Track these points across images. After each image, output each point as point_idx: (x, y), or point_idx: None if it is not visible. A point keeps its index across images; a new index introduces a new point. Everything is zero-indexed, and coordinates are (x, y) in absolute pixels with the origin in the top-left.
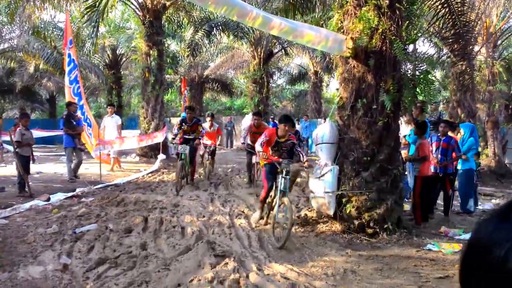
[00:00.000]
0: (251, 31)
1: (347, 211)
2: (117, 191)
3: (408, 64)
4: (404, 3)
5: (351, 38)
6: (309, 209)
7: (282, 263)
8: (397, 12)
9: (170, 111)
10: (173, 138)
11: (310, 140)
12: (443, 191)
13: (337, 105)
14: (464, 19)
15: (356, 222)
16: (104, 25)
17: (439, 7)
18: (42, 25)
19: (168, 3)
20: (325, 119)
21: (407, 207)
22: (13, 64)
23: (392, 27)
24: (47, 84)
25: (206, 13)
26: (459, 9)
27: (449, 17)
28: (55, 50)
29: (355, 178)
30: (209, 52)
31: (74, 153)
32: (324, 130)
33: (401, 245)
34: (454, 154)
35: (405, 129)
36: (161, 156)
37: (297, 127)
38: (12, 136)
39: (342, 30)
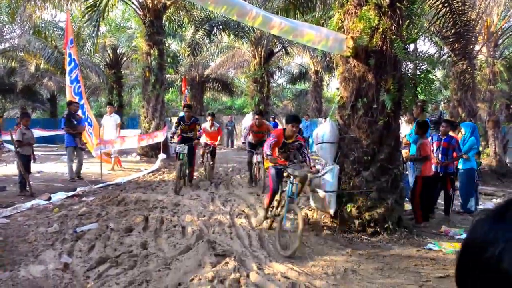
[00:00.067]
0: (251, 30)
1: (348, 211)
2: (118, 190)
3: (409, 63)
4: (404, 2)
5: (352, 37)
6: (310, 209)
7: (282, 263)
8: (398, 12)
9: (170, 111)
10: (171, 137)
11: (310, 140)
12: (444, 190)
13: (337, 104)
14: (465, 18)
15: (357, 222)
16: (105, 25)
17: (440, 6)
18: (43, 25)
19: (168, 3)
20: (325, 118)
21: (407, 206)
22: (14, 63)
23: (393, 27)
24: (48, 84)
25: (207, 12)
26: (460, 8)
27: (450, 16)
28: (56, 50)
29: (355, 178)
30: (210, 51)
31: (75, 153)
32: (324, 129)
33: (402, 244)
34: (455, 154)
35: (406, 129)
36: (162, 156)
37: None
38: (13, 136)
39: (342, 30)
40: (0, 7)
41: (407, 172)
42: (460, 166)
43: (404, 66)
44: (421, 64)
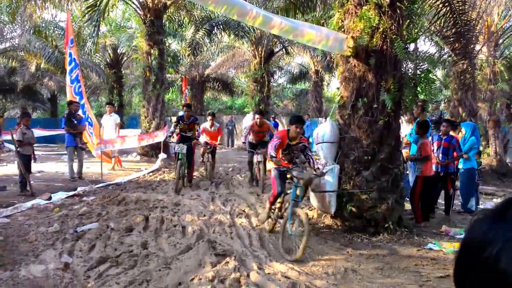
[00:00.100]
0: (252, 30)
1: (348, 210)
2: (118, 190)
3: (409, 63)
4: (405, 2)
5: (352, 37)
6: (310, 208)
7: (282, 262)
8: (398, 11)
9: (171, 110)
10: (169, 136)
11: (311, 139)
12: (444, 190)
13: (337, 104)
14: (465, 18)
15: (357, 221)
16: (105, 24)
17: (440, 6)
18: (43, 25)
19: (169, 2)
20: (326, 118)
21: (408, 206)
22: (14, 63)
23: (393, 26)
24: (49, 83)
25: (207, 12)
26: (460, 8)
27: (450, 16)
28: (56, 49)
29: (356, 177)
30: (210, 51)
31: (75, 152)
32: (324, 129)
33: (402, 244)
34: (455, 153)
35: (406, 128)
36: (162, 155)
37: None
38: (14, 135)
39: (342, 29)
40: (1, 6)
41: (408, 172)
42: (460, 166)
43: (404, 65)
44: (421, 64)
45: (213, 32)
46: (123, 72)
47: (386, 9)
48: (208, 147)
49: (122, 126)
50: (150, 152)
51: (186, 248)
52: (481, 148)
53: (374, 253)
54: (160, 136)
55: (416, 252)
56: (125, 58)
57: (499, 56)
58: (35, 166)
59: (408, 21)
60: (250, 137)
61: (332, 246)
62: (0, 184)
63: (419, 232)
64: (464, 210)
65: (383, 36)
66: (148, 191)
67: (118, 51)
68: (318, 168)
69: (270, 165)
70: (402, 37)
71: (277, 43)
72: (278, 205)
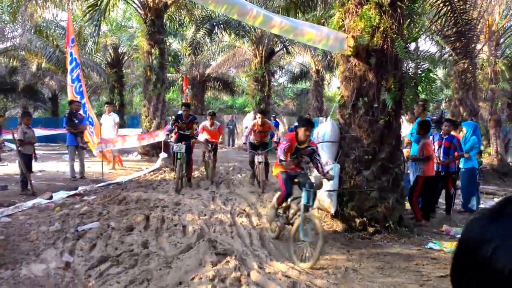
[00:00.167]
0: (252, 29)
1: (349, 210)
2: (119, 189)
3: (410, 62)
4: (405, 1)
5: (352, 36)
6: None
7: (283, 262)
8: (399, 10)
9: (171, 110)
10: (167, 135)
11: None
12: (445, 189)
13: (338, 103)
14: (466, 17)
15: (358, 221)
16: (106, 24)
17: (441, 5)
18: (44, 24)
19: (169, 2)
20: (326, 117)
21: (408, 205)
22: (15, 63)
23: (394, 26)
24: (50, 83)
25: (208, 11)
26: (461, 7)
27: (451, 15)
28: (57, 49)
29: (356, 177)
30: (211, 50)
31: (76, 152)
32: (325, 128)
33: (403, 243)
34: (456, 153)
35: (407, 128)
36: (163, 155)
37: None
38: (15, 135)
39: (343, 29)
40: (2, 6)
41: (408, 171)
42: (461, 165)
43: (405, 65)
44: (422, 63)
45: (214, 31)
46: (124, 71)
47: (387, 8)
48: (209, 145)
49: (123, 125)
50: (151, 151)
51: (187, 248)
52: (482, 148)
53: (374, 252)
54: (160, 136)
55: (417, 252)
56: (126, 58)
57: (500, 55)
58: (36, 166)
59: (408, 20)
60: (251, 138)
61: (333, 245)
62: (1, 183)
63: (420, 232)
64: (465, 210)
65: (384, 35)
66: (148, 190)
67: (119, 50)
68: (328, 172)
69: (277, 171)
70: (402, 36)
71: (277, 42)
72: (284, 204)
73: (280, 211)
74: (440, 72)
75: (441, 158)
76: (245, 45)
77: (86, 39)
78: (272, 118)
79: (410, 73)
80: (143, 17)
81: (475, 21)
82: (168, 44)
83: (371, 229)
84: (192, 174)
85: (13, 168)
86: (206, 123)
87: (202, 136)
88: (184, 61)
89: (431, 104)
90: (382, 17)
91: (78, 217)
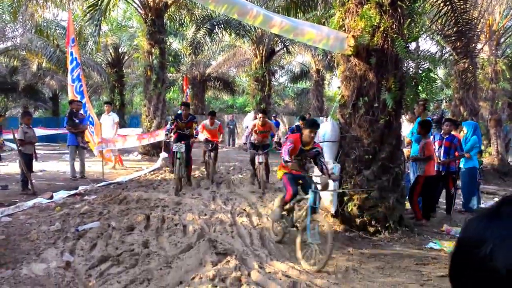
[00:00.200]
0: (253, 29)
1: (349, 210)
2: (120, 189)
3: (410, 62)
4: (406, 0)
5: (353, 36)
6: None
7: (283, 261)
8: (399, 10)
9: (172, 109)
10: (166, 134)
11: None
12: (446, 189)
13: (338, 103)
14: (467, 17)
15: (358, 221)
16: (106, 24)
17: (442, 4)
18: (45, 24)
19: (170, 2)
20: (327, 117)
21: (409, 205)
22: (16, 62)
23: (394, 25)
24: (50, 83)
25: (208, 11)
26: (462, 6)
27: (452, 14)
28: (57, 49)
29: (356, 176)
30: (211, 50)
31: (77, 152)
32: (325, 128)
33: (403, 243)
34: (457, 153)
35: (407, 127)
36: (163, 154)
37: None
38: (15, 134)
39: (343, 28)
40: (2, 6)
41: (409, 171)
42: (462, 165)
43: (405, 64)
44: (422, 63)
45: (214, 31)
46: (124, 71)
47: (387, 8)
48: (209, 144)
49: (123, 125)
50: (151, 151)
51: (187, 247)
52: (482, 147)
53: (375, 252)
54: (161, 135)
55: (417, 251)
56: (126, 57)
57: (500, 55)
58: (36, 165)
59: (409, 20)
60: (252, 138)
61: (333, 245)
62: (2, 183)
63: (420, 231)
64: (466, 209)
65: (384, 35)
66: (149, 190)
67: (120, 50)
68: (333, 173)
69: (281, 173)
70: (403, 36)
71: (278, 42)
72: (288, 206)
73: (284, 213)
74: (440, 72)
75: (441, 158)
76: (245, 44)
77: (87, 39)
78: (272, 117)
79: (410, 73)
80: (144, 16)
81: (475, 20)
82: (168, 43)
83: (371, 229)
84: (192, 174)
85: (13, 167)
86: (207, 122)
87: (202, 136)
88: (184, 60)
89: (431, 103)
90: (382, 16)
91: (79, 217)
